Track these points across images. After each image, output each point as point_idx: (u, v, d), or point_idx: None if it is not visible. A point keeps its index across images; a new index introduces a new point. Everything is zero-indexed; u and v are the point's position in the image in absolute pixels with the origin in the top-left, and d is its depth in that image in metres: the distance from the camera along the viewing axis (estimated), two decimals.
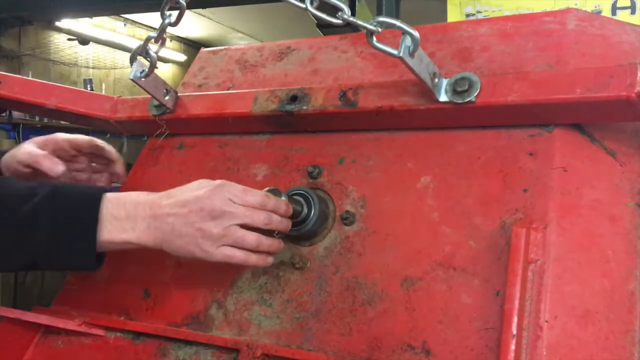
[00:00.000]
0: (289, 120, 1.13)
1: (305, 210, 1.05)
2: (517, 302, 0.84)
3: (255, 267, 1.07)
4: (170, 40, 8.41)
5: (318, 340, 1.00)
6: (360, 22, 0.86)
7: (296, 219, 1.05)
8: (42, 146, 1.19)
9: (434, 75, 0.93)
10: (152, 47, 1.11)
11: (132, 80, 1.13)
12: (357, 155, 1.10)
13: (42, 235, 0.92)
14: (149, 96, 1.21)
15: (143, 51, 1.10)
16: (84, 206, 0.94)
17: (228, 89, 1.32)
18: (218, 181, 0.97)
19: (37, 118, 5.98)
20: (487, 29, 1.12)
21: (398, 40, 0.85)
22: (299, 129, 1.16)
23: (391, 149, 1.08)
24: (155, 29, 1.13)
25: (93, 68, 7.52)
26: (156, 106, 1.24)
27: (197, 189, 0.96)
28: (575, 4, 3.43)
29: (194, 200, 0.94)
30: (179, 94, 1.24)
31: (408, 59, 0.85)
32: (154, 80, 1.17)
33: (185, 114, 1.22)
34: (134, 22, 7.84)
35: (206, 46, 1.78)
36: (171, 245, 0.95)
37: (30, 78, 1.54)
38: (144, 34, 7.72)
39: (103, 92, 6.87)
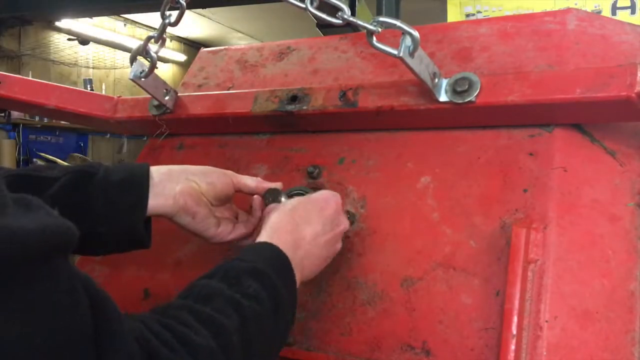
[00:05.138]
0: (289, 120, 1.13)
1: None
2: (517, 302, 0.84)
3: None
4: (170, 40, 8.41)
5: (318, 340, 1.00)
6: (360, 22, 0.86)
7: None
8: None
9: (434, 75, 0.93)
10: (152, 47, 1.11)
11: (132, 80, 1.13)
12: (357, 155, 1.10)
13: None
14: (149, 96, 1.21)
15: (143, 51, 1.10)
16: None
17: (228, 89, 1.32)
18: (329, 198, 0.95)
19: (37, 118, 5.99)
20: (487, 29, 1.12)
21: (398, 40, 0.85)
22: (299, 129, 1.16)
23: (391, 149, 1.08)
24: (155, 29, 1.13)
25: (93, 68, 7.52)
26: (156, 106, 1.24)
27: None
28: (575, 4, 3.43)
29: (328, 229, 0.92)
30: (179, 94, 1.24)
31: (408, 59, 0.85)
32: (154, 80, 1.17)
33: (185, 114, 1.22)
34: (134, 22, 7.84)
35: (206, 46, 1.78)
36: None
37: (30, 78, 1.54)
38: (144, 34, 7.71)
39: (103, 92, 6.87)
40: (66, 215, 0.86)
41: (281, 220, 0.88)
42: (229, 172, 0.99)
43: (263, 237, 0.85)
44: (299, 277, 0.84)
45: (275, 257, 0.81)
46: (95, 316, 0.52)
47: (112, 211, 0.87)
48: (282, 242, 0.83)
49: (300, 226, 0.88)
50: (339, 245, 0.95)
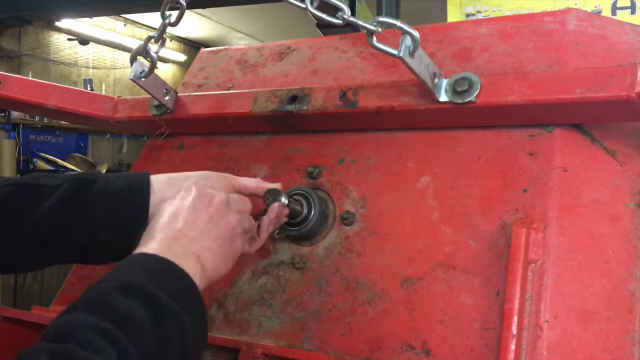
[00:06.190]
0: (289, 120, 1.13)
1: (305, 210, 1.05)
2: (517, 302, 0.84)
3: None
4: (170, 40, 8.40)
5: (318, 340, 1.00)
6: (360, 22, 0.86)
7: (296, 219, 1.05)
8: None
9: (434, 75, 0.93)
10: (152, 47, 1.11)
11: (132, 80, 1.13)
12: (357, 155, 1.10)
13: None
14: (149, 96, 1.21)
15: (143, 51, 1.10)
16: None
17: (228, 89, 1.32)
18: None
19: (37, 118, 5.99)
20: (487, 29, 1.12)
21: (398, 40, 0.85)
22: (299, 129, 1.16)
23: (391, 149, 1.08)
24: (155, 29, 1.14)
25: (93, 68, 7.52)
26: (156, 106, 1.24)
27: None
28: (575, 4, 3.43)
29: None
30: (179, 94, 1.24)
31: (408, 59, 0.85)
32: (154, 80, 1.17)
33: (185, 114, 1.22)
34: (134, 22, 7.84)
35: (206, 46, 1.78)
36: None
37: (30, 78, 1.54)
38: (144, 34, 7.71)
39: (103, 92, 6.87)
40: (66, 223, 0.86)
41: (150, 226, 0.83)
42: (228, 175, 0.98)
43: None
44: (195, 270, 0.79)
45: (145, 262, 0.75)
46: None
47: (112, 220, 0.87)
48: (153, 245, 0.78)
49: (169, 224, 0.83)
50: (231, 218, 0.88)
